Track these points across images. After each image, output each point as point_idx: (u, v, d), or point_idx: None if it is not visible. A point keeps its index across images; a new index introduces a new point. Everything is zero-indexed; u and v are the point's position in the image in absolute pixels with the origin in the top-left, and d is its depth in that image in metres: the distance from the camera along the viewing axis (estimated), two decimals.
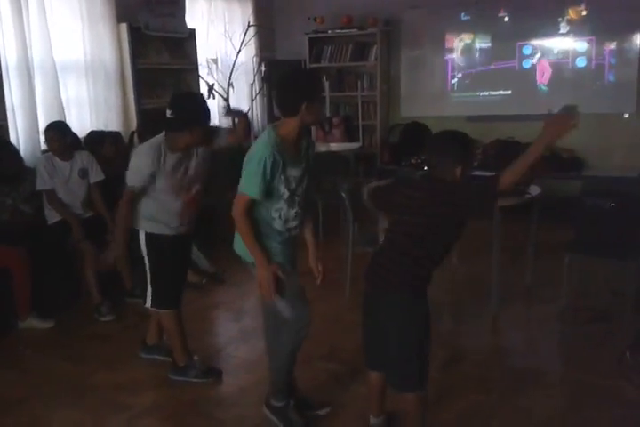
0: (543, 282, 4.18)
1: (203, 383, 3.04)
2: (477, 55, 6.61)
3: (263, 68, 6.80)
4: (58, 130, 4.03)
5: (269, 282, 2.37)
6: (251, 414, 2.75)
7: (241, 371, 3.17)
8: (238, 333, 3.68)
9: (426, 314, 2.28)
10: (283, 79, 2.45)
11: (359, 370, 3.02)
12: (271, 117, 6.93)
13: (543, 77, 6.36)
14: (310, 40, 7.00)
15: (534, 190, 3.76)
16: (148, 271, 2.95)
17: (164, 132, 2.82)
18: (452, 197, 2.13)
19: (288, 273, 2.46)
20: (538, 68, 6.36)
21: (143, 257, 2.93)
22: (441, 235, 2.19)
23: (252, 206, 2.37)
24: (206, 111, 2.84)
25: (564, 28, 6.18)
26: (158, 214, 2.87)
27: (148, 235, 2.90)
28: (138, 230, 2.91)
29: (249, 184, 2.32)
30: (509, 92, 6.52)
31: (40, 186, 3.98)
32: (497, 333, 3.63)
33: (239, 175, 2.38)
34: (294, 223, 2.46)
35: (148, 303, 3.01)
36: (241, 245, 2.48)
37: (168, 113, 2.75)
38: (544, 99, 6.36)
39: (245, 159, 2.37)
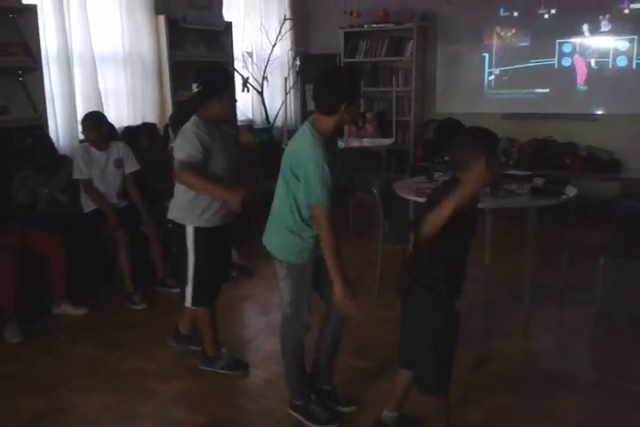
0: (577, 284, 4.11)
1: (229, 375, 3.07)
2: (515, 52, 6.50)
3: (298, 62, 6.81)
4: (94, 120, 4.08)
5: (351, 298, 2.34)
6: (277, 405, 2.77)
7: (268, 363, 3.18)
8: (266, 325, 3.71)
9: (446, 316, 2.24)
10: (324, 78, 2.40)
11: (387, 367, 3.02)
12: (304, 111, 6.94)
13: (579, 77, 6.23)
14: (346, 34, 6.97)
15: (571, 191, 3.69)
16: (191, 269, 2.91)
17: (194, 116, 2.84)
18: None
19: (305, 270, 2.47)
20: (577, 67, 6.24)
21: (186, 254, 2.89)
22: (446, 234, 2.07)
23: (304, 208, 2.35)
24: (230, 79, 2.93)
25: (605, 26, 6.04)
26: (212, 204, 2.84)
27: (198, 230, 2.87)
28: (182, 226, 2.88)
29: (319, 195, 2.25)
30: (547, 90, 6.41)
31: (77, 175, 4.04)
32: (528, 334, 3.58)
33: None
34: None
35: (189, 302, 2.98)
36: (271, 240, 2.50)
37: (194, 87, 2.77)
38: (583, 98, 6.25)
39: (292, 159, 2.32)
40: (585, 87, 6.24)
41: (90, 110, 4.54)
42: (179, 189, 2.90)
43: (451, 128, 6.41)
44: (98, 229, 4.07)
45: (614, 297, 3.79)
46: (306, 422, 2.63)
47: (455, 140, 2.17)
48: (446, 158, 2.25)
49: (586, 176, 5.74)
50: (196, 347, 3.23)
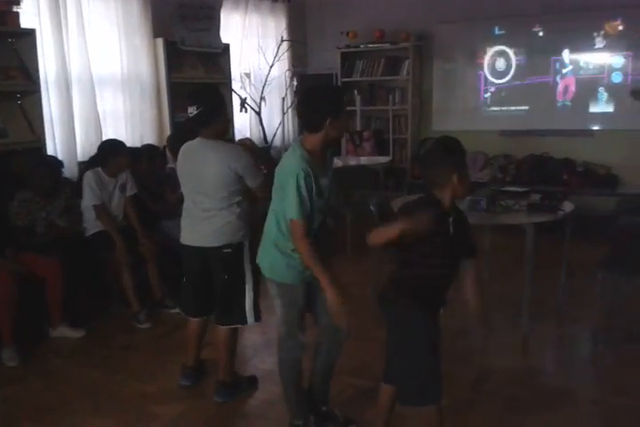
0: (575, 300, 4.10)
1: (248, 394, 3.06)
2: (511, 69, 6.56)
3: (295, 82, 6.87)
4: (129, 152, 4.24)
5: (340, 304, 2.33)
6: None
7: (267, 383, 3.16)
8: (264, 345, 3.69)
9: (423, 329, 2.23)
10: (306, 96, 2.48)
11: None
12: (302, 131, 6.98)
13: (575, 93, 6.28)
14: (342, 54, 7.05)
15: (568, 207, 3.70)
16: (250, 286, 2.88)
17: (199, 138, 2.87)
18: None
19: (295, 289, 2.48)
20: (565, 84, 6.29)
21: (243, 276, 2.86)
22: (410, 251, 2.17)
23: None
24: (223, 98, 2.98)
25: (599, 42, 6.11)
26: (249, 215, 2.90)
27: (250, 244, 2.87)
28: (241, 246, 2.86)
29: (294, 208, 2.30)
30: (543, 106, 6.45)
31: (92, 201, 4.04)
32: (527, 351, 3.56)
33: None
34: (319, 231, 2.46)
35: (252, 320, 2.92)
36: (262, 259, 2.52)
37: (192, 109, 2.77)
38: (579, 114, 6.29)
39: (279, 177, 2.38)
40: (580, 103, 6.28)
41: (89, 132, 4.61)
42: (230, 210, 2.83)
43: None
44: (99, 252, 4.07)
45: (613, 313, 3.77)
46: None
47: (424, 159, 2.26)
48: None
49: (583, 192, 5.76)
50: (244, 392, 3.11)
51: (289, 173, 2.32)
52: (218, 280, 2.91)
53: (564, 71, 6.30)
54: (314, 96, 2.42)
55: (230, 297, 2.91)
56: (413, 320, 2.23)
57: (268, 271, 2.52)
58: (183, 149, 2.97)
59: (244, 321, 2.93)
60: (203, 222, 2.86)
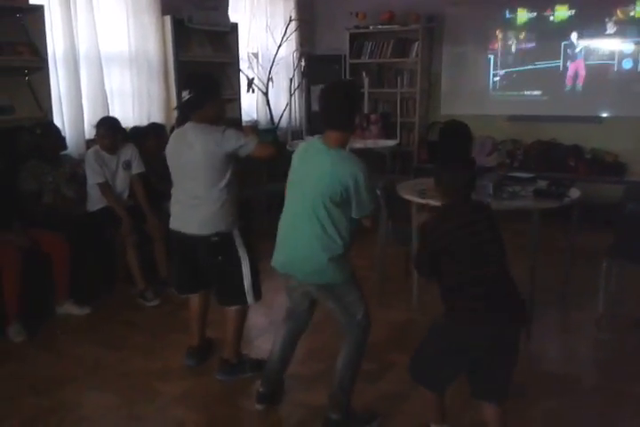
0: (580, 287, 4.10)
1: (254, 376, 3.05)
2: (521, 54, 6.50)
3: (303, 63, 6.81)
4: (109, 127, 4.12)
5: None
6: (277, 407, 2.79)
7: None
8: (268, 325, 3.71)
9: (441, 337, 2.29)
10: (335, 93, 2.43)
11: (389, 368, 3.03)
12: (309, 112, 6.95)
13: (584, 79, 6.23)
14: (351, 35, 6.97)
15: (574, 194, 3.69)
16: (247, 268, 2.90)
17: (190, 123, 2.86)
18: None
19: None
20: (575, 69, 6.24)
21: (238, 260, 2.88)
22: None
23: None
24: (217, 82, 2.98)
25: (610, 28, 6.03)
26: (238, 203, 2.92)
27: (240, 229, 2.90)
28: (230, 234, 2.87)
29: (372, 207, 2.47)
30: (553, 92, 6.39)
31: (95, 179, 4.05)
32: (531, 338, 3.58)
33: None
34: None
35: (252, 300, 2.94)
36: (309, 270, 2.47)
37: (185, 94, 2.80)
38: (588, 100, 6.23)
39: (330, 186, 2.35)
40: (590, 90, 6.22)
41: (97, 110, 4.57)
42: (216, 197, 2.82)
43: (455, 130, 6.40)
44: (104, 228, 4.09)
45: (617, 300, 3.78)
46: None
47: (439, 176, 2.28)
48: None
49: (590, 179, 5.74)
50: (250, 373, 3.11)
51: (349, 174, 2.32)
52: (209, 262, 2.92)
53: (575, 56, 6.24)
54: (341, 93, 2.42)
55: (226, 278, 2.93)
56: (445, 332, 2.28)
57: (317, 278, 2.47)
58: (173, 135, 2.99)
59: (243, 301, 2.94)
60: (190, 210, 2.86)
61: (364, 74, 6.57)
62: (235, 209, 2.89)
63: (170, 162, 2.95)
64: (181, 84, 5.26)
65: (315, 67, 6.83)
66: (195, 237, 2.88)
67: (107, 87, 4.90)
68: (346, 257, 2.47)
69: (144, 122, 5.09)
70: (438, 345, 2.28)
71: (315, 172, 2.39)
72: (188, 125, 2.87)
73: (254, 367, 3.10)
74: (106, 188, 4.09)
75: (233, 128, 2.84)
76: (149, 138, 4.55)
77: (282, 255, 2.54)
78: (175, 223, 2.97)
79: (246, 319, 3.09)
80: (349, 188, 2.34)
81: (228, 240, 2.87)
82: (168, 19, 5.27)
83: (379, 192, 3.84)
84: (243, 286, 2.91)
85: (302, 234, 2.43)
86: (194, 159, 2.79)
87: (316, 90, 2.55)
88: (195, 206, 2.84)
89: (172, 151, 2.94)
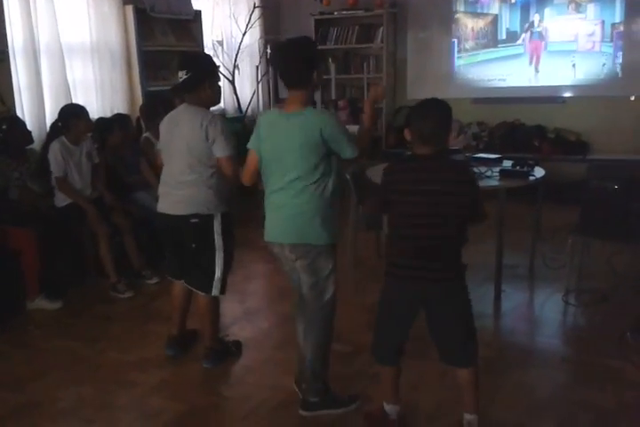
0: (547, 263, 4.19)
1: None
2: (484, 36, 6.56)
3: (269, 51, 6.78)
4: (89, 117, 4.16)
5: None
6: (255, 392, 2.81)
7: (246, 350, 3.21)
8: (243, 313, 3.73)
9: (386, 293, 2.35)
10: (288, 50, 2.42)
11: (364, 349, 3.07)
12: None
13: (545, 60, 6.32)
14: (316, 22, 6.95)
15: (539, 173, 3.76)
16: (221, 258, 2.89)
17: (184, 104, 2.84)
18: None
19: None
20: (535, 51, 6.33)
21: (212, 246, 2.86)
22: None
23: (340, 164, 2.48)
24: (215, 63, 2.92)
25: (572, 9, 6.12)
26: (227, 189, 2.89)
27: (224, 216, 2.87)
28: (210, 217, 2.84)
29: (353, 145, 2.45)
30: (515, 74, 6.47)
31: (56, 172, 4.01)
32: (499, 313, 3.66)
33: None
34: None
35: (217, 292, 2.94)
36: (307, 231, 2.43)
37: (182, 74, 2.76)
38: (551, 81, 6.33)
39: (334, 129, 2.35)
40: (552, 71, 6.32)
41: (59, 102, 4.50)
42: (200, 179, 2.81)
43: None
44: (73, 223, 4.04)
45: (583, 275, 3.88)
46: (333, 411, 2.61)
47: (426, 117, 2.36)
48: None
49: (554, 158, 5.84)
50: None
51: (315, 124, 2.33)
52: (187, 248, 2.93)
53: (536, 38, 6.32)
54: (297, 50, 2.40)
55: (197, 265, 2.93)
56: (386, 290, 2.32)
57: (314, 239, 2.43)
58: (167, 117, 2.97)
59: (208, 290, 2.94)
60: (174, 190, 2.87)
61: (330, 60, 6.57)
62: (222, 195, 2.86)
63: (161, 144, 2.96)
64: (145, 74, 5.26)
65: (281, 41, 6.78)
66: (177, 219, 2.87)
67: (69, 78, 4.81)
68: (333, 216, 2.46)
69: (108, 113, 5.02)
70: (381, 308, 2.34)
71: (288, 143, 2.39)
72: (182, 107, 2.86)
73: (238, 347, 3.16)
74: (62, 182, 4.03)
75: (230, 131, 2.81)
76: (115, 129, 4.50)
77: (270, 224, 2.52)
78: (161, 205, 2.96)
79: (219, 307, 3.10)
80: (324, 133, 2.33)
81: (206, 224, 2.85)
82: (130, 8, 5.18)
83: (348, 176, 3.88)
84: (213, 277, 2.91)
85: (290, 202, 2.43)
86: (183, 138, 2.79)
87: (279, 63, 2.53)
88: (179, 187, 2.85)
89: (164, 133, 2.93)
